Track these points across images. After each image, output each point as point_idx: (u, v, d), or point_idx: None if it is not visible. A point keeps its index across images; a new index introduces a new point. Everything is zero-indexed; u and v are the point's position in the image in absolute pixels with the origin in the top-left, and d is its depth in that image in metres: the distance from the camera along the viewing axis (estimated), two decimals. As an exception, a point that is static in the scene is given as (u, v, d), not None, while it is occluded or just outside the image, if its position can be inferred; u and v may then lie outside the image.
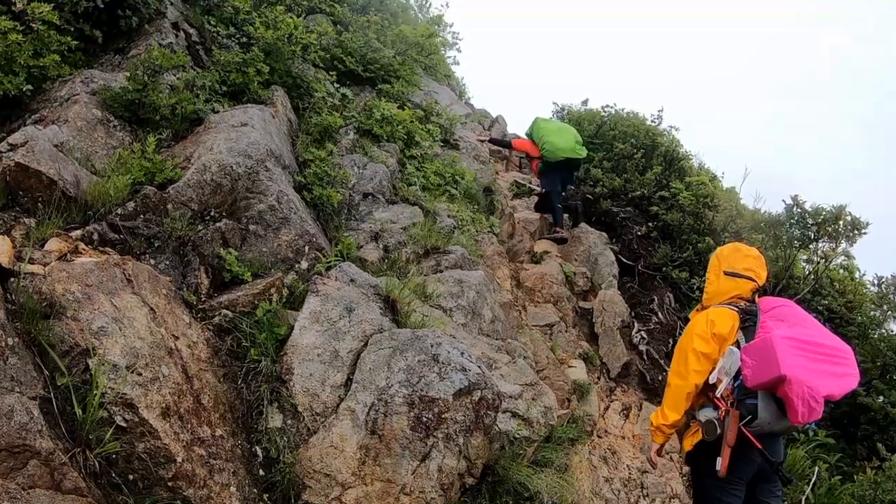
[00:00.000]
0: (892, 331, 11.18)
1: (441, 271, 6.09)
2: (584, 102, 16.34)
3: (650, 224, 12.50)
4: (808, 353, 4.04)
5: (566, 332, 8.39)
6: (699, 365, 4.37)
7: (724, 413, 4.27)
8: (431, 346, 3.87)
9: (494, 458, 4.03)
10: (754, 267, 4.77)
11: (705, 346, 4.39)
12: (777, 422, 4.09)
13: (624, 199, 13.21)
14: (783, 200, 10.75)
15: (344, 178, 7.06)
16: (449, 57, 22.87)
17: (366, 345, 4.15)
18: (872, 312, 11.38)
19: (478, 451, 3.76)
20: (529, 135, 11.53)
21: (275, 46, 7.67)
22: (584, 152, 10.99)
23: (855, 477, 8.10)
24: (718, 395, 4.32)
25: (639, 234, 12.42)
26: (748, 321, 4.44)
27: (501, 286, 8.04)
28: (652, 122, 15.11)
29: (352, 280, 4.83)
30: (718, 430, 4.25)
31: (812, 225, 10.55)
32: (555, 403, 4.88)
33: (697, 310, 4.88)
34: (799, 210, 10.57)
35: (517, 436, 4.32)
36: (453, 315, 5.53)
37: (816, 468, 8.15)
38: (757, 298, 4.68)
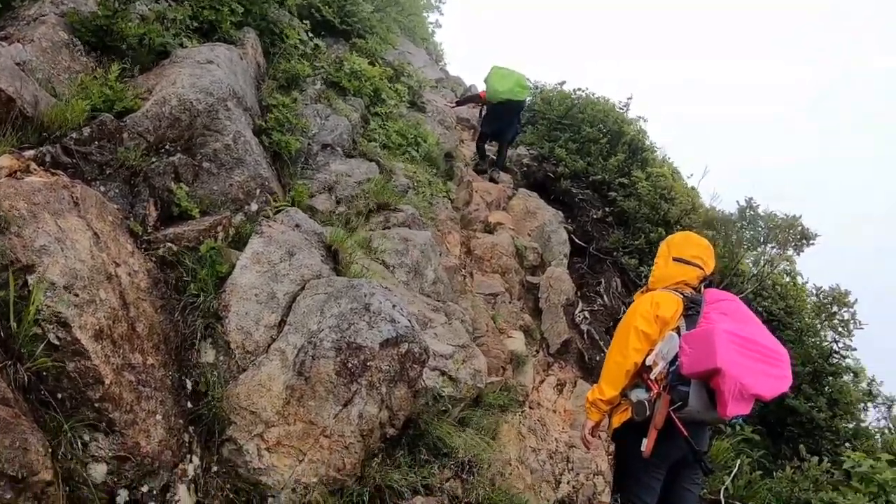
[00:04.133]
0: (826, 339, 11.44)
1: (389, 228, 6.16)
2: (561, 84, 16.36)
3: (607, 209, 12.69)
4: (746, 350, 4.10)
5: (510, 303, 8.51)
6: (639, 343, 4.44)
7: (655, 396, 4.33)
8: (365, 295, 3.94)
9: (418, 412, 4.11)
10: (703, 256, 4.84)
11: (647, 326, 4.45)
12: (706, 412, 4.13)
13: (584, 182, 13.35)
14: (737, 201, 11.01)
15: (305, 126, 7.07)
16: (431, 22, 22.78)
17: (303, 289, 4.21)
18: (810, 320, 11.65)
19: (401, 402, 3.85)
20: (485, 81, 11.90)
21: None
22: (523, 94, 11.57)
23: (774, 474, 8.32)
24: (653, 378, 4.37)
25: (595, 217, 12.58)
26: (692, 309, 4.51)
27: (450, 251, 8.14)
28: (620, 109, 15.22)
29: (297, 225, 4.88)
30: (648, 412, 4.31)
31: (763, 229, 10.78)
32: (484, 367, 4.98)
33: (643, 291, 4.96)
34: (752, 213, 10.81)
35: (443, 393, 4.41)
36: (396, 272, 5.61)
37: (739, 461, 8.35)
38: (703, 289, 4.76)
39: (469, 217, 10.27)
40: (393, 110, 9.02)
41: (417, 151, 9.02)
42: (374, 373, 3.65)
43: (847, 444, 9.87)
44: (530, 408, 7.71)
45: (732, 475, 8.05)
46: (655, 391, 4.33)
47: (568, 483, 7.36)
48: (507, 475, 5.90)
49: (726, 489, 7.80)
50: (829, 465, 8.18)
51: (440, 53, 22.59)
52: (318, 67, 8.48)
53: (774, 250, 11.21)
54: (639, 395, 4.44)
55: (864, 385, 11.96)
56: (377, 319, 3.76)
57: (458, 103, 13.76)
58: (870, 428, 11.10)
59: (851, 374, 11.62)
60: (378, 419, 3.77)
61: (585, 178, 13.40)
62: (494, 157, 12.84)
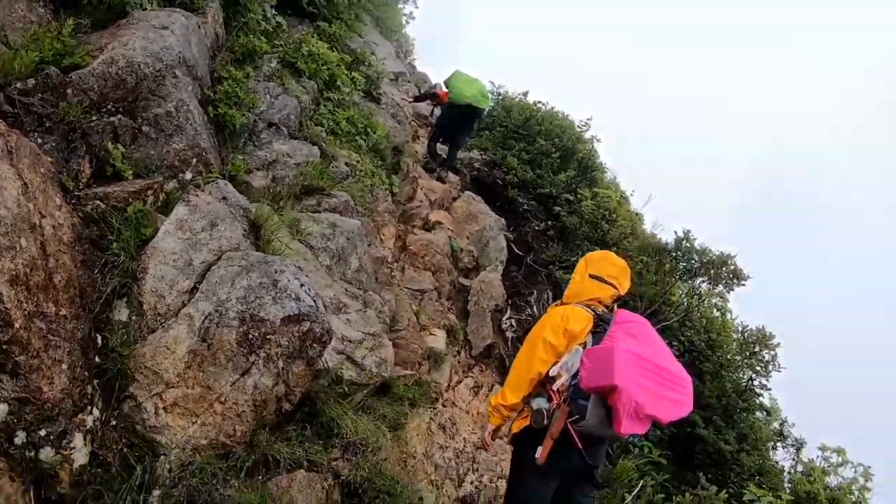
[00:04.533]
0: (743, 377, 11.72)
1: (319, 212, 6.26)
2: (525, 94, 16.58)
3: (550, 222, 12.89)
4: (646, 372, 4.20)
5: (437, 301, 8.67)
6: (545, 354, 4.55)
7: (555, 406, 4.43)
8: (275, 271, 4.06)
9: (316, 392, 4.23)
10: (619, 277, 4.99)
11: (555, 338, 4.57)
12: (602, 427, 4.21)
13: (532, 193, 13.54)
14: (675, 232, 11.25)
15: (253, 102, 7.14)
16: (405, 13, 22.64)
17: (219, 259, 4.32)
18: (731, 356, 11.88)
19: (298, 379, 3.98)
20: (447, 83, 12.23)
21: None
22: (485, 103, 11.96)
23: (674, 499, 8.47)
24: (555, 389, 4.47)
25: (537, 228, 12.78)
26: (600, 327, 4.61)
27: (384, 243, 8.28)
28: (579, 128, 15.52)
29: (224, 198, 4.98)
30: (546, 421, 4.42)
31: (696, 262, 11.05)
32: (391, 357, 5.11)
33: (556, 304, 5.09)
34: (688, 245, 11.07)
35: (345, 377, 4.53)
36: (320, 255, 5.73)
37: (642, 482, 8.47)
38: (616, 308, 4.90)
39: (410, 213, 10.41)
40: (346, 97, 9.12)
41: (365, 141, 9.14)
42: (273, 346, 3.78)
43: (753, 480, 10.10)
44: (443, 406, 7.87)
45: (634, 494, 8.16)
46: (556, 402, 4.44)
47: (471, 483, 7.52)
48: (410, 467, 6.06)
49: None
50: (726, 495, 8.30)
51: (410, 48, 22.63)
52: (276, 45, 8.52)
53: (705, 284, 11.47)
54: (540, 404, 4.55)
55: (775, 425, 12.28)
56: (282, 296, 3.88)
57: (417, 99, 14.10)
58: (776, 466, 11.44)
59: (764, 413, 11.91)
60: (274, 392, 3.90)
61: (533, 189, 13.59)
62: (444, 157, 13.05)
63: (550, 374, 4.56)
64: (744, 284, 11.22)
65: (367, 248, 6.43)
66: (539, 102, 15.90)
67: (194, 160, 5.78)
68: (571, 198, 13.12)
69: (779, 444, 12.00)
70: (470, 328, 9.47)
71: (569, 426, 4.32)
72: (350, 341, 4.76)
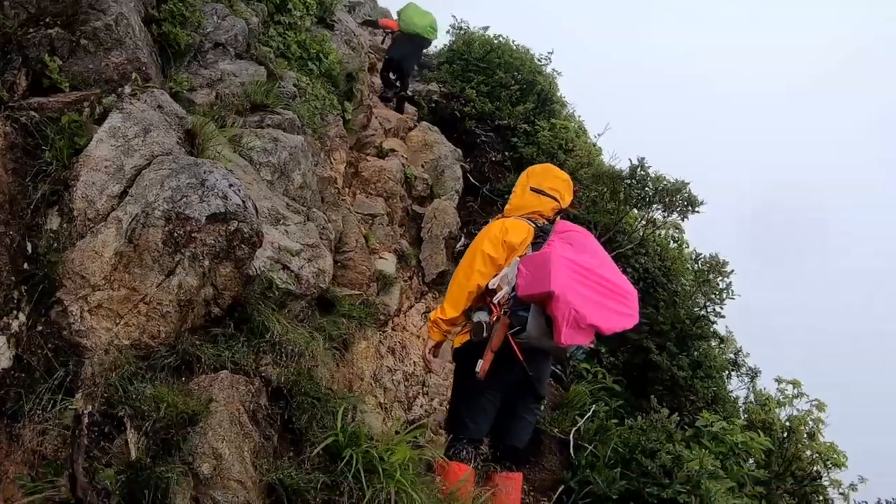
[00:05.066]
0: (699, 305, 11.77)
1: (263, 128, 6.22)
2: (485, 28, 16.43)
3: (506, 153, 12.91)
4: (586, 280, 4.16)
5: (388, 226, 8.68)
6: (484, 267, 4.51)
7: (495, 318, 4.40)
8: (204, 172, 4.02)
9: (247, 298, 4.21)
10: (560, 189, 4.94)
11: (494, 251, 4.52)
12: (542, 338, 4.17)
13: (489, 125, 13.53)
14: (629, 160, 11.24)
15: (198, 22, 7.04)
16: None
17: (150, 164, 4.29)
18: (690, 286, 11.95)
19: (226, 281, 3.98)
20: (399, 13, 12.94)
21: None
22: (433, 35, 12.63)
23: (626, 422, 8.51)
24: (496, 302, 4.43)
25: (493, 159, 12.80)
26: (540, 238, 4.58)
27: (333, 167, 8.26)
28: (538, 61, 15.48)
29: (160, 106, 4.92)
30: (485, 334, 4.39)
31: (651, 191, 11.08)
32: (329, 269, 5.10)
33: (497, 218, 5.05)
34: (643, 173, 11.08)
35: (280, 285, 4.54)
36: (261, 170, 5.70)
37: (595, 406, 8.62)
38: (557, 220, 4.86)
39: (365, 140, 10.39)
40: (298, 21, 8.97)
41: (318, 66, 9.04)
42: (199, 245, 3.76)
43: (708, 408, 10.07)
44: (393, 330, 7.94)
45: (586, 417, 8.29)
46: (496, 314, 4.41)
47: (421, 406, 7.62)
48: (356, 388, 6.11)
49: (578, 430, 8.02)
50: (677, 417, 8.38)
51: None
52: (224, -30, 8.37)
53: (660, 212, 11.53)
54: (481, 317, 4.52)
55: (730, 354, 12.50)
56: (209, 194, 3.86)
57: (367, 23, 14.42)
58: (731, 395, 11.56)
59: (718, 340, 12.06)
60: (201, 295, 3.90)
61: (491, 121, 13.57)
62: (399, 87, 13.18)
63: (490, 286, 4.52)
64: (698, 212, 11.25)
65: (311, 166, 6.40)
66: (500, 36, 15.79)
67: (133, 74, 5.66)
68: (529, 129, 13.12)
69: (733, 373, 12.29)
70: (423, 255, 9.51)
71: (510, 338, 4.29)
72: (287, 251, 4.76)
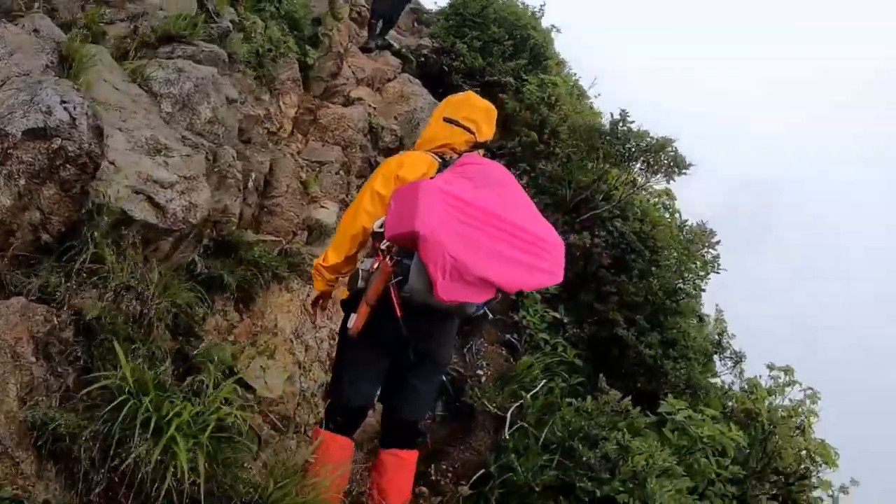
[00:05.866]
0: (682, 278, 10.81)
1: (173, 59, 5.81)
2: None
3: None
4: (475, 221, 3.40)
5: (337, 175, 8.24)
6: (371, 206, 3.81)
7: (375, 266, 3.66)
8: (41, 89, 3.65)
9: (89, 227, 3.81)
10: (477, 119, 4.13)
11: (384, 188, 3.79)
12: (428, 293, 3.35)
13: (478, 81, 12.98)
14: (611, 113, 10.59)
15: None
16: None
17: (2, 85, 3.92)
18: (678, 254, 10.89)
19: (52, 205, 3.58)
20: None
21: None
22: None
23: (574, 402, 7.43)
24: (382, 248, 3.63)
25: (476, 114, 12.30)
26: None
27: (282, 112, 7.88)
28: (533, 14, 14.88)
29: (35, 30, 4.57)
30: (360, 283, 3.71)
31: (632, 148, 10.34)
32: (205, 204, 4.67)
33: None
34: (624, 128, 10.38)
35: (137, 217, 4.13)
36: (162, 102, 5.30)
37: (543, 382, 7.70)
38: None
39: (334, 89, 9.92)
40: (251, -42, 8.53)
41: (276, 8, 8.61)
42: (15, 163, 3.39)
43: (681, 393, 8.96)
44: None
45: (531, 394, 7.36)
46: (378, 261, 3.65)
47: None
48: (264, 343, 5.68)
49: (520, 407, 7.12)
50: (630, 401, 7.20)
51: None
52: None
53: (642, 172, 10.81)
54: (363, 265, 3.82)
55: (715, 335, 11.21)
56: (33, 110, 3.46)
57: None
58: (713, 382, 10.28)
59: (696, 319, 11.01)
60: (26, 218, 3.49)
61: (481, 76, 12.98)
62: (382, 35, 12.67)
63: (376, 229, 3.75)
64: (685, 173, 10.41)
65: (227, 101, 5.97)
66: (496, -10, 15.14)
67: (35, 4, 5.32)
68: (512, 82, 12.58)
69: (715, 355, 11.02)
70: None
71: (391, 290, 3.53)
72: (156, 182, 4.36)
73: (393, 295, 3.51)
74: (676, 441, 7.04)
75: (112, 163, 4.27)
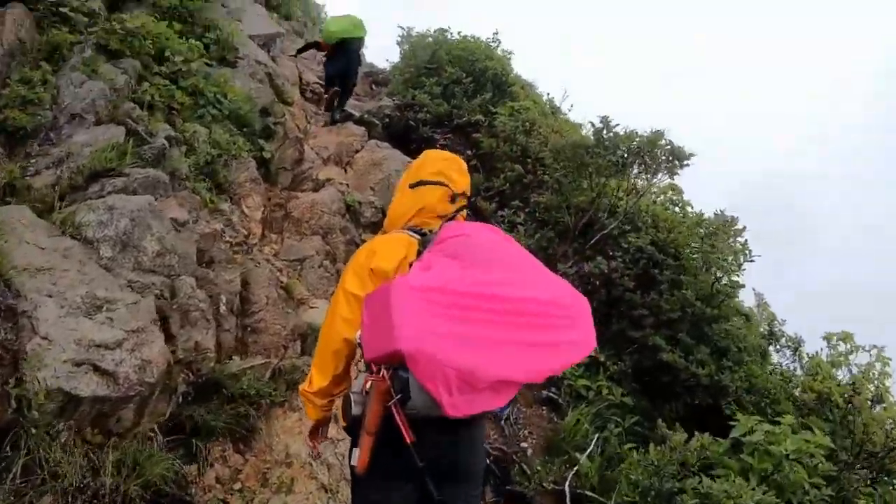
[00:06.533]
0: (711, 279, 9.86)
1: (103, 196, 5.28)
2: (442, 31, 15.26)
3: (470, 152, 11.81)
4: (471, 311, 2.69)
5: (322, 268, 7.62)
6: (349, 311, 3.07)
7: (367, 385, 2.86)
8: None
9: (18, 426, 3.19)
10: (443, 169, 3.48)
11: (358, 287, 3.07)
12: (435, 407, 2.64)
13: (448, 127, 12.50)
14: (591, 123, 9.96)
15: (40, 99, 6.27)
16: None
17: None
18: (701, 254, 10.08)
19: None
20: (321, 30, 12.69)
21: None
22: (358, 32, 11.61)
23: (636, 454, 6.73)
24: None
25: (455, 163, 11.73)
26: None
27: (248, 216, 7.33)
28: (487, 43, 14.44)
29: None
30: (355, 411, 2.92)
31: (623, 153, 9.65)
32: (159, 358, 4.04)
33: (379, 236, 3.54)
34: (609, 135, 9.73)
35: (85, 394, 3.53)
36: (100, 247, 4.76)
37: (598, 436, 7.02)
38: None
39: (301, 177, 9.38)
40: (182, 67, 8.06)
41: (219, 110, 8.13)
42: None
43: (745, 401, 8.38)
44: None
45: (587, 453, 6.69)
46: (369, 379, 2.86)
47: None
48: (279, 478, 5.04)
49: (576, 475, 6.38)
50: (698, 442, 6.50)
51: (317, 16, 21.70)
52: (91, 32, 7.57)
53: (642, 176, 10.12)
54: (356, 386, 3.01)
55: (764, 326, 10.56)
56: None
57: (299, 51, 13.33)
58: (773, 377, 9.28)
59: (743, 318, 10.18)
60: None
61: (449, 122, 12.53)
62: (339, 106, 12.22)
63: (359, 339, 2.93)
64: (688, 164, 9.65)
65: (176, 226, 5.42)
66: (444, 30, 14.71)
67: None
68: (482, 119, 12.12)
69: (770, 347, 10.36)
70: None
71: (394, 411, 2.77)
72: (100, 346, 3.79)
73: (397, 417, 2.76)
74: (758, 465, 6.23)
75: (45, 338, 3.71)
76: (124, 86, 7.12)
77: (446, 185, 3.39)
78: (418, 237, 3.22)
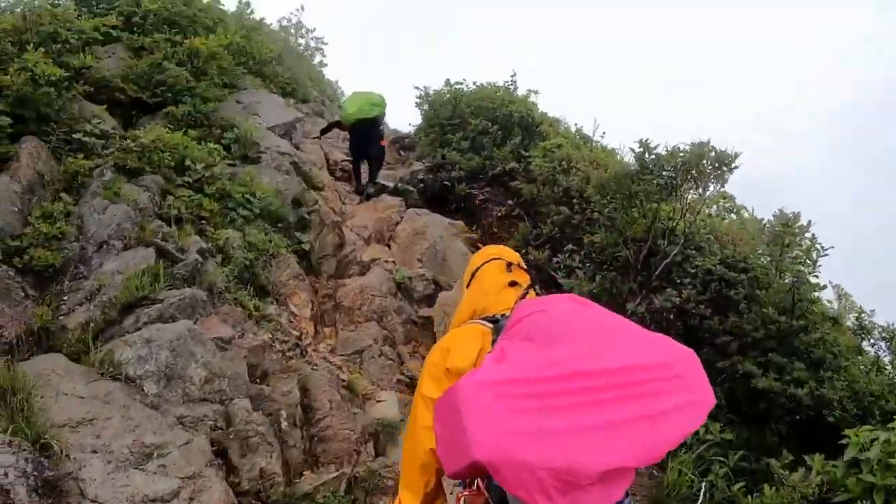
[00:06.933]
0: (786, 282, 8.98)
1: (140, 328, 4.94)
2: (448, 84, 15.04)
3: (511, 201, 11.45)
4: (556, 397, 2.19)
5: (381, 356, 7.16)
6: (431, 418, 2.52)
7: (461, 498, 2.53)
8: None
9: None
10: (493, 253, 3.27)
11: (436, 390, 2.70)
12: None
13: (484, 180, 12.14)
14: (631, 149, 9.43)
15: (63, 233, 6.08)
16: (316, 63, 22.09)
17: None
18: (763, 259, 9.47)
19: None
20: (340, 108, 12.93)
21: (22, 93, 6.78)
22: (373, 112, 11.62)
23: (750, 499, 6.28)
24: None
25: (498, 215, 11.36)
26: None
27: (297, 317, 6.95)
28: (506, 85, 14.24)
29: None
30: None
31: (669, 173, 9.15)
32: (220, 500, 3.66)
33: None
34: (651, 157, 9.24)
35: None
36: (144, 384, 4.41)
37: (705, 483, 6.48)
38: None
39: (345, 261, 9.02)
40: (205, 174, 7.80)
41: (249, 210, 7.85)
42: None
43: (851, 413, 7.64)
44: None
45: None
46: (462, 496, 2.53)
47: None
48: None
49: None
50: (819, 477, 5.95)
51: (335, 91, 21.76)
52: (106, 155, 7.37)
53: (692, 193, 9.59)
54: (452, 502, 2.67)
55: (851, 319, 9.99)
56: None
57: (323, 132, 13.32)
58: (873, 379, 8.44)
59: (830, 322, 9.27)
60: None
61: (484, 175, 12.19)
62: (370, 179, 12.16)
63: None
64: (736, 167, 8.98)
65: (221, 345, 5.05)
66: (459, 83, 14.46)
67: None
68: (518, 166, 11.79)
69: (863, 342, 9.64)
70: None
71: None
72: (154, 500, 3.40)
73: None
74: (881, 481, 5.57)
75: (94, 500, 3.32)
76: (148, 204, 6.88)
77: (497, 258, 3.18)
78: (491, 325, 2.86)
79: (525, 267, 3.22)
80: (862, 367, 8.80)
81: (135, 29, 10.36)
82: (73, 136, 7.36)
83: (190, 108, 9.18)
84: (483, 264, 3.17)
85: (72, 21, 8.36)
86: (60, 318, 5.31)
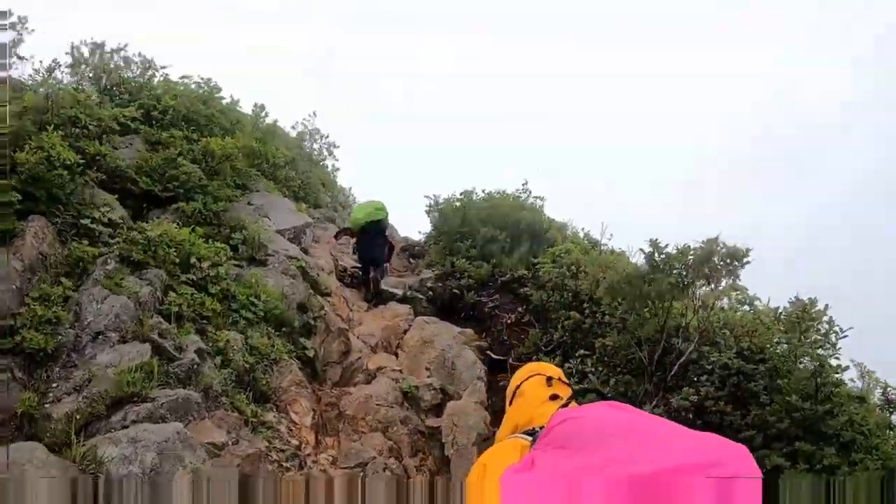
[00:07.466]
0: (807, 367, 8.74)
1: (127, 426, 4.64)
2: (467, 194, 15.02)
3: (521, 308, 11.22)
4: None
5: (386, 469, 6.74)
6: None
7: None
8: None
9: None
10: (530, 369, 3.20)
11: None
12: None
13: (493, 287, 11.95)
14: (641, 249, 9.27)
15: (59, 318, 5.93)
16: (327, 168, 22.17)
17: None
18: (780, 347, 9.19)
19: None
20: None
21: (35, 172, 6.82)
22: (379, 215, 12.15)
23: None
24: None
25: (508, 322, 11.07)
26: None
27: (298, 425, 6.61)
28: (517, 193, 14.42)
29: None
30: None
31: (680, 271, 9.00)
32: None
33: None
34: (662, 256, 9.08)
35: None
36: (124, 488, 4.07)
37: None
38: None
39: (351, 369, 8.69)
40: (210, 272, 7.60)
41: (253, 313, 7.61)
42: None
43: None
44: None
45: None
46: None
47: None
48: None
49: None
50: None
51: (347, 197, 21.78)
52: (112, 244, 7.23)
53: (704, 289, 9.41)
54: None
55: (877, 395, 9.75)
56: None
57: (336, 235, 13.68)
58: None
59: (857, 402, 8.96)
60: None
61: (493, 282, 12.02)
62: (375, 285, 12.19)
63: None
64: (748, 260, 8.94)
65: (213, 451, 4.72)
66: (470, 192, 14.57)
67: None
68: (527, 273, 11.72)
69: (892, 416, 9.39)
70: (456, 477, 7.45)
71: None
72: None
73: None
74: None
75: None
76: (149, 298, 6.68)
77: (538, 374, 3.07)
78: (529, 438, 2.65)
79: (567, 381, 3.07)
80: (893, 441, 8.50)
81: (153, 122, 10.60)
82: (81, 221, 7.37)
83: (200, 206, 9.11)
84: (525, 380, 3.07)
85: (92, 108, 8.43)
86: (46, 405, 5.14)
